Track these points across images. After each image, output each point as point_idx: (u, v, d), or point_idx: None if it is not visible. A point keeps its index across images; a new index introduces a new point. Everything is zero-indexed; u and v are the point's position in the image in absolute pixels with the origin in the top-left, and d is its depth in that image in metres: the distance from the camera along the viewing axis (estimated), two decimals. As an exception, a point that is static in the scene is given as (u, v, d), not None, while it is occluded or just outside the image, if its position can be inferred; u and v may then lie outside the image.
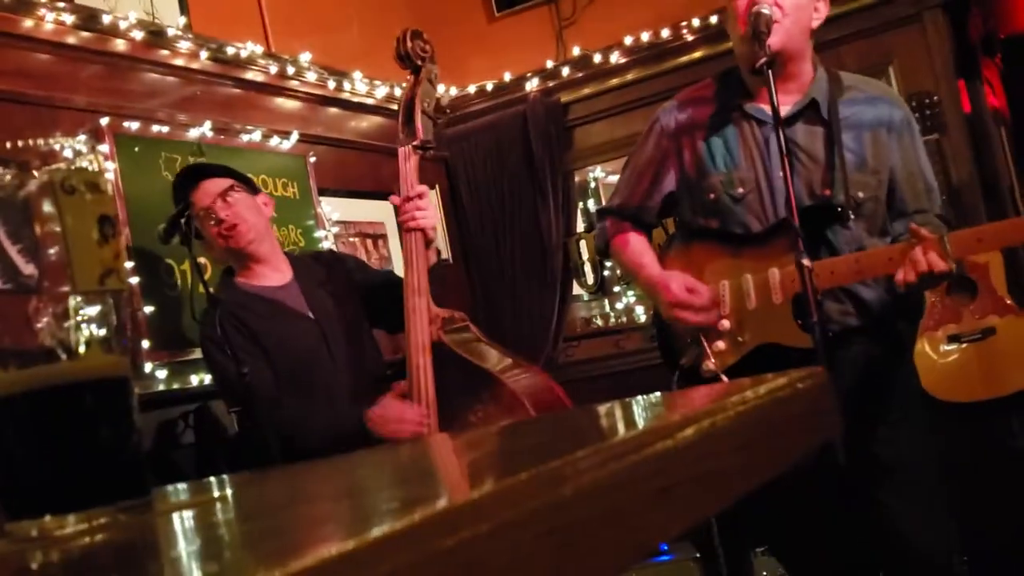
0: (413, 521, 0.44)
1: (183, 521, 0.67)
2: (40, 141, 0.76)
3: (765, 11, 2.67)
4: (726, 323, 2.80)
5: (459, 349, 2.93)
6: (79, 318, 0.73)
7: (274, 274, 3.32)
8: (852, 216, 2.73)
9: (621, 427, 0.72)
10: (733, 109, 2.90)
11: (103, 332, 0.74)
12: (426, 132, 3.11)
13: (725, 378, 2.77)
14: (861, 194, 2.78)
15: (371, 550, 0.41)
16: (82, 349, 0.73)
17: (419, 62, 3.12)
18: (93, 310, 0.74)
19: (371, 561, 0.41)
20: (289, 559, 0.39)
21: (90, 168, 0.76)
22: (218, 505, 0.72)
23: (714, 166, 2.89)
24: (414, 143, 3.10)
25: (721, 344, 2.81)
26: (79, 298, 0.74)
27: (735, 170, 2.85)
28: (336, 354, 3.18)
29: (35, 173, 0.75)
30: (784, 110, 2.74)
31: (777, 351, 2.75)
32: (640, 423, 0.75)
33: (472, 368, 2.91)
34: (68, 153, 0.77)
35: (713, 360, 2.80)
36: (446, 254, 5.50)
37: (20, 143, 0.75)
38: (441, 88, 5.72)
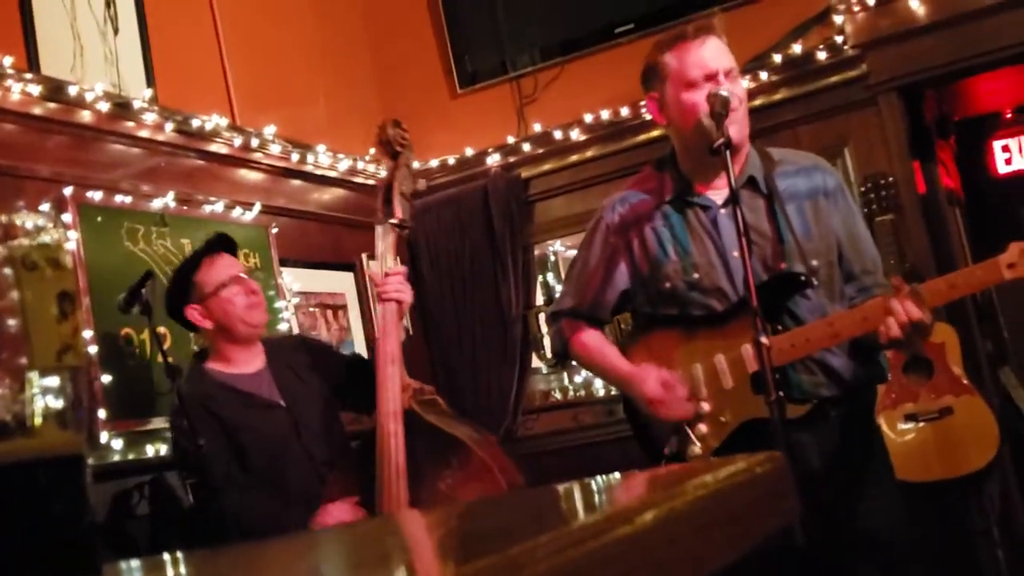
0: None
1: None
2: (2, 216, 0.75)
3: (724, 93, 2.71)
4: (706, 406, 2.79)
5: (430, 417, 2.99)
6: (34, 392, 0.72)
7: (251, 360, 3.35)
8: (815, 282, 2.74)
9: (581, 511, 0.72)
10: (675, 198, 2.90)
11: (59, 407, 0.73)
12: (404, 212, 3.23)
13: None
14: (815, 262, 2.79)
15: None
16: (37, 423, 0.72)
17: (399, 148, 3.27)
18: (49, 385, 0.73)
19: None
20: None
21: (52, 243, 0.75)
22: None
23: (666, 256, 2.88)
24: (392, 221, 3.22)
25: (703, 427, 2.80)
26: (35, 373, 0.73)
27: (687, 256, 2.85)
28: (306, 440, 3.22)
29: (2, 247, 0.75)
30: (726, 191, 2.74)
31: (760, 425, 2.68)
32: (600, 506, 0.74)
33: (443, 436, 2.96)
34: (30, 226, 0.77)
35: (699, 445, 2.79)
36: (406, 323, 5.49)
37: (-20, 218, 0.75)
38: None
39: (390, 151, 3.29)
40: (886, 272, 3.03)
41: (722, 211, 2.83)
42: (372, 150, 5.59)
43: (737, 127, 2.77)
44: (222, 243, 3.43)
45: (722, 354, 2.81)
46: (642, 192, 3.00)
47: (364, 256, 3.02)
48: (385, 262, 3.21)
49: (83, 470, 0.72)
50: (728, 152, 2.67)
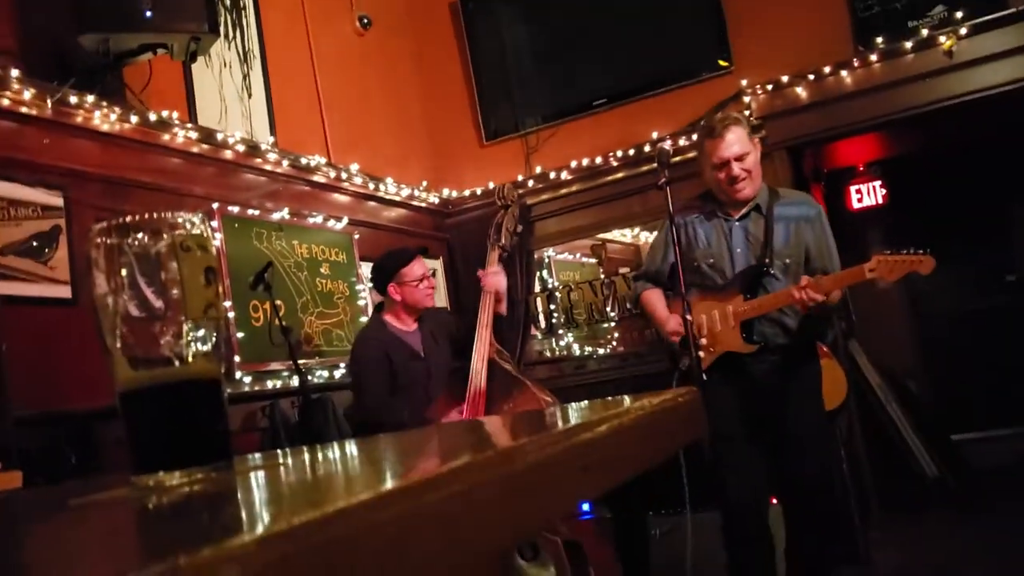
0: (408, 482, 0.43)
1: (255, 478, 0.67)
2: (168, 214, 0.76)
3: (665, 147, 2.90)
4: (704, 341, 3.12)
5: (503, 363, 3.28)
6: (189, 337, 0.73)
7: (411, 323, 3.56)
8: (774, 273, 3.07)
9: (559, 423, 0.72)
10: (710, 215, 3.22)
11: (205, 347, 0.73)
12: (506, 241, 3.53)
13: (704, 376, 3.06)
14: (788, 260, 3.11)
15: (379, 501, 0.41)
16: (190, 359, 0.72)
17: (509, 202, 3.58)
18: (199, 332, 0.73)
19: (380, 508, 0.40)
20: (317, 506, 0.38)
21: (201, 234, 0.76)
22: (280, 468, 0.71)
23: (698, 246, 3.21)
24: (499, 244, 3.51)
25: (702, 353, 3.10)
26: (190, 323, 0.73)
27: (709, 248, 3.19)
28: (432, 383, 3.44)
29: (164, 236, 0.75)
30: (740, 212, 3.15)
31: (730, 355, 3.12)
32: (572, 421, 0.74)
33: (511, 376, 3.23)
34: (187, 224, 0.77)
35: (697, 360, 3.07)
36: (444, 304, 5.49)
37: (155, 215, 0.75)
38: (445, 191, 5.75)
39: (502, 203, 3.56)
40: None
41: (736, 224, 3.16)
42: (425, 181, 5.60)
43: (748, 185, 3.09)
44: (423, 251, 3.80)
45: (716, 310, 3.13)
46: (691, 208, 3.29)
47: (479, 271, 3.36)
48: (490, 267, 3.46)
49: (221, 389, 0.73)
50: (668, 190, 3.07)
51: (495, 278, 3.37)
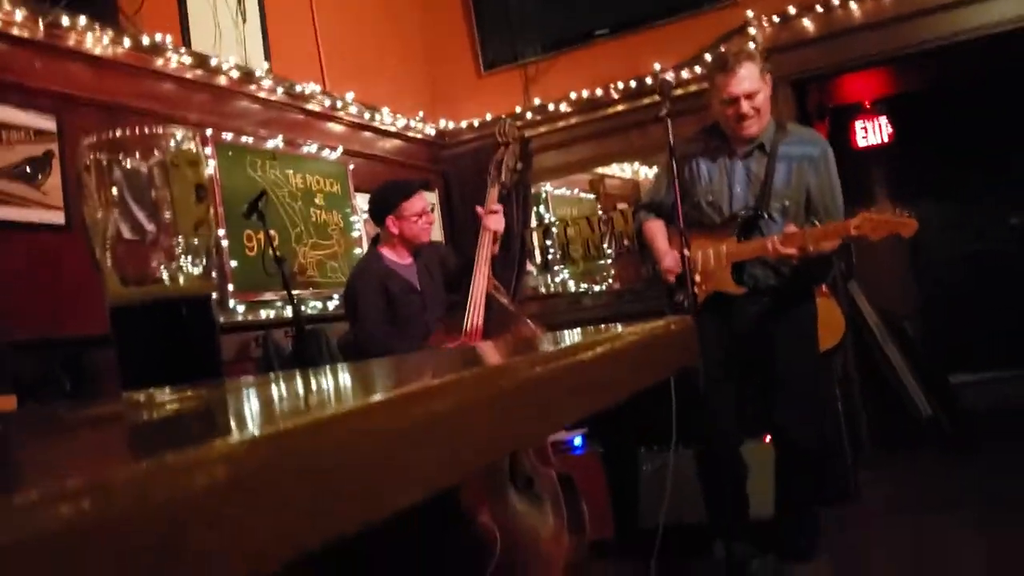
0: (397, 394, 0.44)
1: (246, 394, 0.67)
2: (158, 129, 0.75)
3: (668, 78, 2.84)
4: (697, 278, 3.11)
5: (501, 298, 3.25)
6: (179, 255, 0.73)
7: (407, 256, 3.55)
8: (771, 215, 3.05)
9: (552, 345, 0.72)
10: (714, 150, 3.16)
11: (196, 265, 0.73)
12: (506, 178, 3.42)
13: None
14: (787, 202, 3.07)
15: (368, 411, 0.41)
16: (180, 278, 0.72)
17: (509, 140, 3.44)
18: (190, 250, 0.73)
19: (368, 418, 0.41)
20: (300, 415, 0.39)
21: (191, 150, 0.75)
22: (271, 385, 0.71)
23: (700, 182, 3.17)
24: (499, 182, 3.41)
25: (695, 289, 3.08)
26: (180, 240, 0.73)
27: (711, 184, 3.15)
28: (427, 314, 3.44)
29: (154, 153, 0.74)
30: (744, 150, 3.11)
31: (723, 295, 3.12)
32: (565, 343, 0.75)
33: (507, 310, 3.22)
34: (177, 140, 0.77)
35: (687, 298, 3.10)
36: (440, 237, 5.48)
37: (145, 130, 0.74)
38: (442, 123, 5.69)
39: (502, 140, 3.46)
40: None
41: (739, 163, 3.11)
42: (421, 112, 5.55)
43: (755, 124, 3.04)
44: (425, 185, 3.60)
45: (711, 248, 3.12)
46: (695, 140, 3.24)
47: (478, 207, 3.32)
48: (490, 206, 3.35)
49: (210, 305, 0.73)
50: (669, 122, 3.00)
51: (496, 218, 3.34)
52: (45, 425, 0.67)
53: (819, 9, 4.63)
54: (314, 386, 0.61)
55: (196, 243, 0.74)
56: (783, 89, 4.75)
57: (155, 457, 0.31)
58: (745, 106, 3.00)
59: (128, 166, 0.75)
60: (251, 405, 0.54)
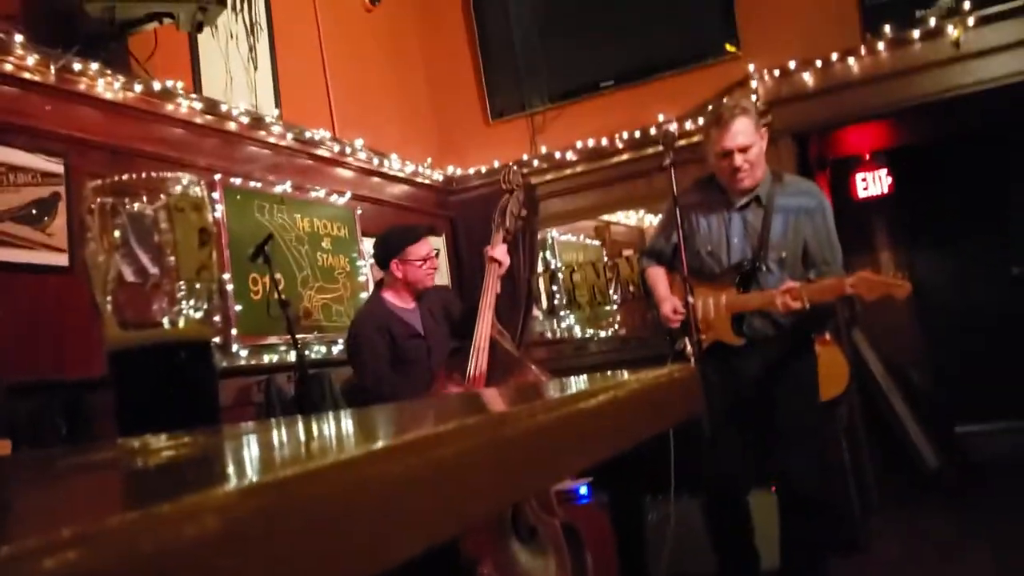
0: (398, 441, 0.43)
1: (244, 441, 0.66)
2: (163, 175, 0.75)
3: (671, 129, 2.89)
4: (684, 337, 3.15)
5: (505, 343, 3.27)
6: (180, 299, 0.72)
7: (411, 301, 3.54)
8: (768, 267, 3.06)
9: (556, 392, 0.71)
10: (711, 201, 3.19)
11: (197, 310, 0.73)
12: (510, 224, 3.45)
13: (693, 360, 3.09)
14: (784, 254, 3.09)
15: (368, 459, 0.40)
16: (181, 322, 0.71)
17: (514, 187, 3.47)
18: (191, 294, 0.73)
19: (368, 466, 0.40)
20: (298, 463, 0.38)
21: (195, 195, 0.75)
22: (270, 433, 0.70)
23: (699, 232, 3.20)
24: (504, 228, 3.44)
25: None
26: (182, 285, 0.72)
27: (709, 234, 3.17)
28: (432, 360, 3.43)
29: (159, 197, 0.74)
30: (741, 201, 3.13)
31: (723, 345, 3.12)
32: (570, 391, 0.74)
33: (511, 355, 3.24)
34: (181, 185, 0.76)
35: (691, 347, 3.11)
36: (446, 280, 5.48)
37: (150, 175, 0.74)
38: (450, 169, 5.73)
39: (507, 187, 3.49)
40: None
41: (736, 215, 3.13)
42: (429, 159, 5.58)
43: (749, 177, 3.07)
44: (431, 231, 3.62)
45: (711, 298, 3.13)
46: (694, 191, 3.27)
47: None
48: (495, 248, 3.39)
49: (210, 351, 0.72)
50: (673, 171, 3.05)
51: (501, 249, 3.37)
52: (38, 471, 0.66)
53: (818, 64, 4.68)
54: (313, 433, 0.60)
55: (198, 287, 0.74)
56: (784, 141, 4.79)
57: (145, 507, 0.30)
58: (739, 159, 3.03)
59: (132, 210, 0.74)
60: (248, 452, 0.53)
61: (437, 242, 5.43)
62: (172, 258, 0.74)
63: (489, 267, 3.35)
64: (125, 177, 0.73)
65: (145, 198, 0.75)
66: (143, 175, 0.73)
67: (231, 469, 0.47)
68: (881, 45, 4.54)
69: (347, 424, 0.69)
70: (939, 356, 7.35)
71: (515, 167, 3.53)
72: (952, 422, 6.13)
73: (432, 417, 0.67)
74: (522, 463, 0.53)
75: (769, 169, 3.17)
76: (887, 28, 4.54)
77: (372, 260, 4.86)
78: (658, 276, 3.32)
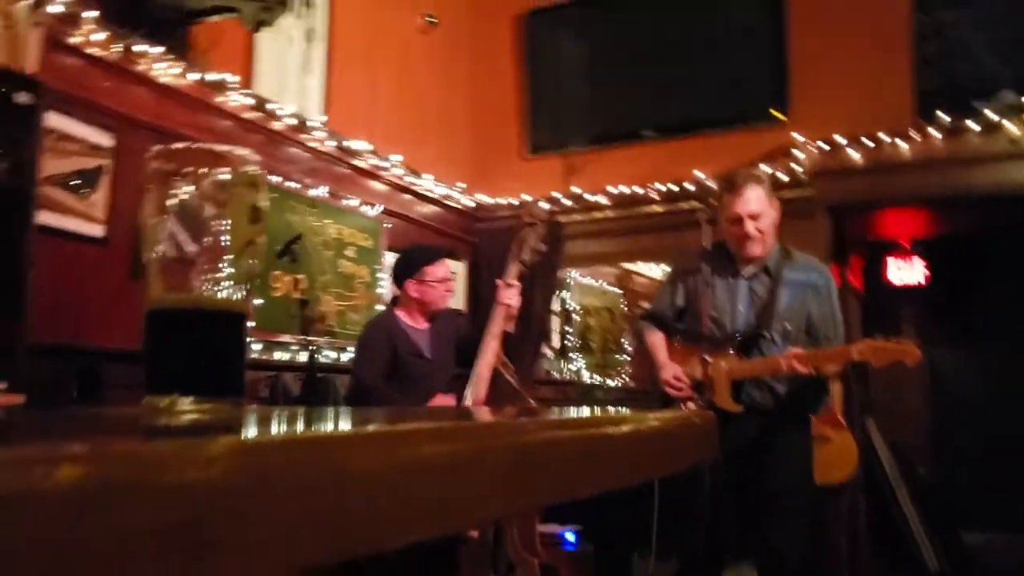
0: (414, 428, 0.44)
1: (261, 415, 0.67)
2: (225, 148, 0.77)
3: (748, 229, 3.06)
4: (695, 394, 3.12)
5: (507, 375, 3.29)
6: (224, 272, 0.74)
7: (422, 321, 3.55)
8: (772, 337, 3.05)
9: (577, 415, 0.72)
10: (720, 267, 3.17)
11: (237, 284, 0.74)
12: (527, 256, 3.46)
13: None
14: (788, 325, 3.07)
15: (390, 437, 0.41)
16: (221, 292, 0.73)
17: (535, 222, 3.51)
18: (234, 267, 0.74)
19: (399, 443, 0.41)
20: (303, 432, 0.39)
21: (253, 172, 0.77)
22: (285, 412, 0.72)
23: (703, 297, 3.17)
24: (520, 260, 3.45)
25: (691, 405, 3.10)
26: (229, 258, 0.74)
27: (715, 300, 3.15)
28: (433, 380, 3.44)
29: (219, 169, 0.76)
30: (749, 270, 3.12)
31: (720, 412, 2.97)
32: (597, 418, 0.75)
33: (511, 387, 3.25)
34: (242, 160, 0.78)
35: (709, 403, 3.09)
36: (463, 307, 5.49)
37: (213, 147, 0.76)
38: (480, 197, 5.77)
39: (529, 220, 3.52)
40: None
41: (743, 282, 3.13)
42: (462, 184, 5.63)
43: (759, 246, 3.07)
44: (450, 253, 3.75)
45: (711, 364, 3.11)
46: (701, 257, 3.25)
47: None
48: (508, 281, 3.41)
49: (245, 325, 0.74)
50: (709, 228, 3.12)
51: (511, 293, 3.37)
52: (68, 418, 0.67)
53: (867, 142, 4.69)
54: (336, 416, 0.61)
55: (242, 262, 0.75)
56: (820, 215, 4.79)
57: (174, 439, 0.31)
58: (750, 226, 3.05)
59: (191, 179, 0.76)
60: (276, 420, 0.54)
61: (457, 266, 5.46)
62: (222, 230, 0.75)
63: (498, 308, 3.36)
64: (187, 145, 0.75)
65: (204, 169, 0.77)
66: (204, 146, 0.76)
67: (261, 427, 0.48)
68: (934, 131, 4.54)
69: (373, 412, 0.70)
70: (949, 453, 7.26)
71: (538, 203, 3.56)
72: (957, 526, 6.03)
73: (454, 415, 0.68)
74: (537, 473, 0.53)
75: (779, 244, 3.18)
76: (940, 114, 4.55)
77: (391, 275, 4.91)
78: (658, 342, 3.31)
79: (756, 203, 3.06)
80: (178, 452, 0.30)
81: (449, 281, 3.57)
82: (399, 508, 0.41)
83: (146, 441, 0.30)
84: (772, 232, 3.12)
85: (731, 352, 3.10)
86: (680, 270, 3.28)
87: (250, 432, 0.40)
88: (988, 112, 4.44)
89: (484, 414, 0.83)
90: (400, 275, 3.54)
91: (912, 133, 4.60)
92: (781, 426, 3.07)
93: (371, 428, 0.39)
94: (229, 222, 0.75)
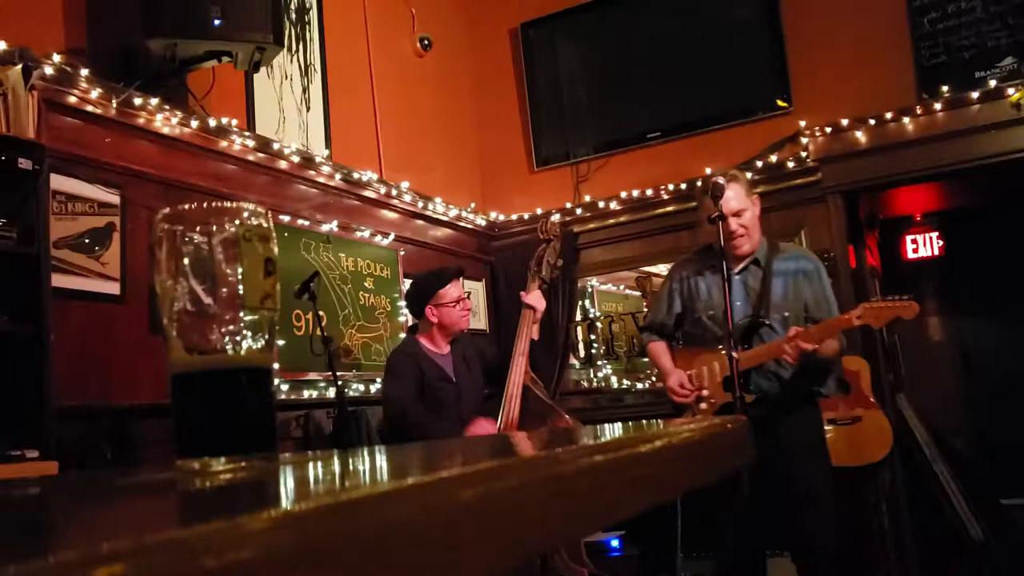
0: (461, 472, 0.44)
1: (297, 468, 0.67)
2: (231, 204, 0.77)
3: (720, 180, 3.00)
4: (705, 392, 3.18)
5: (537, 391, 3.31)
6: (244, 327, 0.74)
7: (445, 346, 3.57)
8: (771, 325, 3.09)
9: (611, 434, 0.72)
10: (710, 267, 3.25)
11: (258, 339, 0.74)
12: (546, 273, 3.51)
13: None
14: (786, 314, 3.14)
15: (429, 486, 0.41)
16: (243, 349, 0.73)
17: (552, 237, 3.57)
18: (254, 323, 0.74)
19: (441, 491, 0.41)
20: (365, 487, 0.38)
21: (262, 225, 0.77)
22: (321, 462, 0.71)
23: (700, 299, 3.26)
24: (540, 276, 3.51)
25: (703, 405, 3.18)
26: (246, 313, 0.74)
27: (711, 300, 3.23)
28: (462, 404, 3.45)
29: (227, 226, 0.76)
30: (740, 266, 3.20)
31: (729, 405, 3.12)
32: (625, 434, 0.74)
33: (543, 402, 3.28)
34: (249, 215, 0.78)
35: (700, 415, 3.13)
36: (484, 325, 5.49)
37: (219, 204, 0.76)
38: (493, 214, 5.78)
39: (545, 238, 3.55)
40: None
41: (736, 277, 3.19)
42: (473, 203, 5.64)
43: (746, 241, 3.15)
44: (460, 273, 3.71)
45: (716, 362, 3.16)
46: (693, 261, 3.37)
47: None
48: (530, 294, 3.46)
49: (270, 378, 0.74)
50: (720, 224, 3.07)
51: (536, 295, 3.39)
52: (97, 489, 0.68)
53: (871, 122, 4.66)
54: (372, 462, 0.61)
55: (261, 316, 0.75)
56: (834, 199, 4.77)
57: (208, 522, 0.31)
58: (734, 223, 3.12)
59: (200, 238, 0.77)
60: (312, 476, 0.54)
61: (476, 286, 5.46)
62: (238, 286, 0.75)
63: (524, 313, 3.36)
64: (193, 206, 0.76)
65: (213, 227, 0.77)
66: (212, 204, 0.76)
67: (298, 491, 0.48)
68: (938, 105, 4.51)
69: (408, 454, 0.70)
70: (985, 425, 7.18)
71: (554, 217, 3.57)
72: (997, 494, 5.95)
73: (489, 452, 0.68)
74: (578, 500, 0.53)
75: (765, 237, 3.25)
76: (945, 89, 4.52)
77: (407, 307, 4.92)
78: (661, 350, 3.38)
79: (736, 200, 3.13)
80: (215, 535, 0.30)
81: (465, 300, 3.58)
82: (444, 554, 0.41)
83: (182, 525, 0.29)
84: (756, 226, 3.20)
85: (735, 347, 3.11)
86: (673, 277, 3.38)
87: (286, 501, 0.40)
88: (991, 81, 4.41)
89: (520, 443, 0.82)
90: (417, 305, 3.56)
91: (917, 109, 4.57)
92: (792, 412, 3.09)
93: (410, 481, 0.39)
94: (241, 274, 0.76)
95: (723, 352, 3.10)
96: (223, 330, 0.73)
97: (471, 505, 0.42)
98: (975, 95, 4.44)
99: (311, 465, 0.64)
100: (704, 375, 3.18)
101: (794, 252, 3.28)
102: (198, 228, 0.76)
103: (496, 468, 0.45)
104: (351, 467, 0.59)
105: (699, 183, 3.30)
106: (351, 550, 0.36)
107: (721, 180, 3.11)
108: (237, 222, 0.77)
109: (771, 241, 3.27)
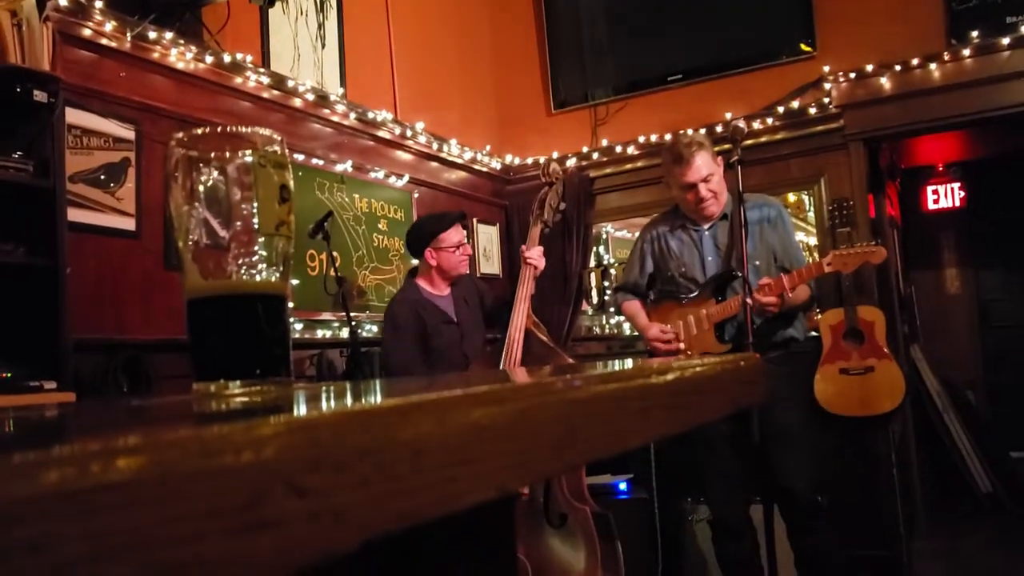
0: (477, 390, 0.44)
1: (311, 392, 0.68)
2: (247, 129, 0.77)
3: (740, 125, 2.97)
4: (682, 346, 3.30)
5: (539, 334, 3.28)
6: (259, 255, 0.74)
7: (445, 288, 3.59)
8: (741, 275, 3.14)
9: (626, 366, 0.72)
10: (680, 226, 3.38)
11: (273, 265, 0.75)
12: (548, 217, 3.42)
13: None
14: (757, 263, 3.25)
15: (444, 403, 0.42)
16: (258, 275, 0.74)
17: (554, 180, 3.47)
18: (269, 249, 0.75)
19: (450, 409, 0.41)
20: (357, 404, 0.39)
21: (278, 152, 0.77)
22: (333, 388, 0.72)
23: (671, 257, 3.38)
24: (542, 220, 3.42)
25: (682, 357, 3.03)
26: (261, 239, 0.74)
27: (681, 257, 3.36)
28: (465, 345, 3.49)
29: (242, 151, 0.76)
30: (708, 222, 3.32)
31: (708, 355, 3.06)
32: (641, 367, 0.75)
33: (545, 345, 3.26)
34: (265, 141, 0.78)
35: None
36: (497, 271, 5.49)
37: (235, 129, 0.76)
38: (508, 157, 5.74)
39: (547, 180, 3.49)
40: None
41: (705, 234, 3.32)
42: (488, 146, 5.61)
43: (714, 204, 3.26)
44: (463, 217, 3.72)
45: (691, 315, 3.29)
46: (662, 221, 3.48)
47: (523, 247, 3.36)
48: (531, 243, 3.37)
49: (286, 305, 0.74)
50: (739, 169, 3.13)
51: (536, 252, 3.39)
52: (116, 409, 0.69)
53: (897, 68, 4.58)
54: (387, 386, 0.62)
55: (276, 243, 0.75)
56: (855, 146, 4.72)
57: (226, 423, 0.31)
58: (703, 190, 3.22)
59: (215, 164, 0.77)
60: (327, 394, 0.55)
61: (488, 228, 5.46)
62: (252, 213, 0.76)
63: (525, 267, 3.36)
64: (210, 129, 0.75)
65: (228, 153, 0.77)
66: (227, 129, 0.76)
67: (315, 403, 0.49)
68: (967, 51, 4.42)
69: (421, 380, 0.71)
70: (998, 378, 7.18)
71: (554, 162, 3.56)
72: (1008, 446, 5.98)
73: (504, 376, 0.68)
74: (586, 428, 0.54)
75: (728, 191, 3.30)
76: (974, 34, 4.43)
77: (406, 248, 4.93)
78: (636, 309, 3.49)
79: (705, 168, 3.21)
80: (231, 435, 0.30)
81: (465, 245, 3.59)
82: (455, 472, 0.41)
83: (199, 427, 0.30)
84: (723, 187, 3.29)
85: (709, 299, 3.25)
86: (644, 238, 3.47)
87: (300, 410, 0.41)
88: (1021, 26, 4.31)
89: (524, 375, 0.83)
90: (417, 246, 3.56)
91: (944, 55, 4.48)
92: (770, 359, 3.13)
93: (420, 396, 0.40)
94: (257, 204, 0.76)
95: (699, 305, 3.25)
96: (238, 255, 0.74)
97: (480, 424, 0.42)
98: (1005, 41, 4.34)
99: (325, 389, 0.65)
100: (680, 328, 3.29)
101: (757, 200, 3.34)
102: (213, 153, 0.76)
103: (509, 388, 0.46)
104: (364, 390, 0.60)
105: (666, 150, 3.35)
106: (365, 462, 0.36)
107: (686, 152, 3.19)
108: (253, 148, 0.77)
109: (734, 193, 3.29)
